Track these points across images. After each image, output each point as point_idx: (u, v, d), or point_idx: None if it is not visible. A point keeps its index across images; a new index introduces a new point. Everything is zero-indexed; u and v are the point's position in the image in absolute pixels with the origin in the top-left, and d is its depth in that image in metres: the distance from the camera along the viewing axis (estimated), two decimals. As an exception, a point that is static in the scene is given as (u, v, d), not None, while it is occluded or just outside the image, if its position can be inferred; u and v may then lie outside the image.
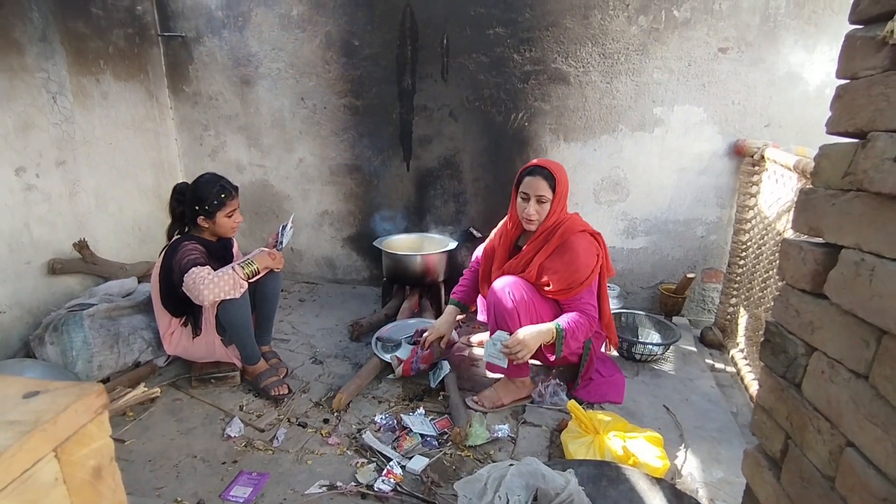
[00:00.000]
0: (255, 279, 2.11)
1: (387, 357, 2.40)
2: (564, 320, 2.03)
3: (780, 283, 1.25)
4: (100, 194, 2.87)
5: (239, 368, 2.31)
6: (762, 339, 1.10)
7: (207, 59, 3.29)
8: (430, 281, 2.96)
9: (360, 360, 2.58)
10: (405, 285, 3.07)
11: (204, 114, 3.40)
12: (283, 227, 2.35)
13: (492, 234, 2.44)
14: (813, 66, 2.60)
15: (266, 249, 2.23)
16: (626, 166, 2.97)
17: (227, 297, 1.99)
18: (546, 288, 2.08)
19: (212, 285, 1.94)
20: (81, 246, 2.64)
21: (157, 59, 3.30)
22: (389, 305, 3.00)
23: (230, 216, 2.19)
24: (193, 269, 1.98)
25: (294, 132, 3.32)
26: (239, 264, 2.05)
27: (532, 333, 1.97)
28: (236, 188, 2.24)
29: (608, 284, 2.41)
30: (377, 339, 2.55)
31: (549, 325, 2.01)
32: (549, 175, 2.08)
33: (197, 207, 2.14)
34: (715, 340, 2.88)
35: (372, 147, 3.25)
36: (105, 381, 2.26)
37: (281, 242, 2.31)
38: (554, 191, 2.08)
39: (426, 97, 3.08)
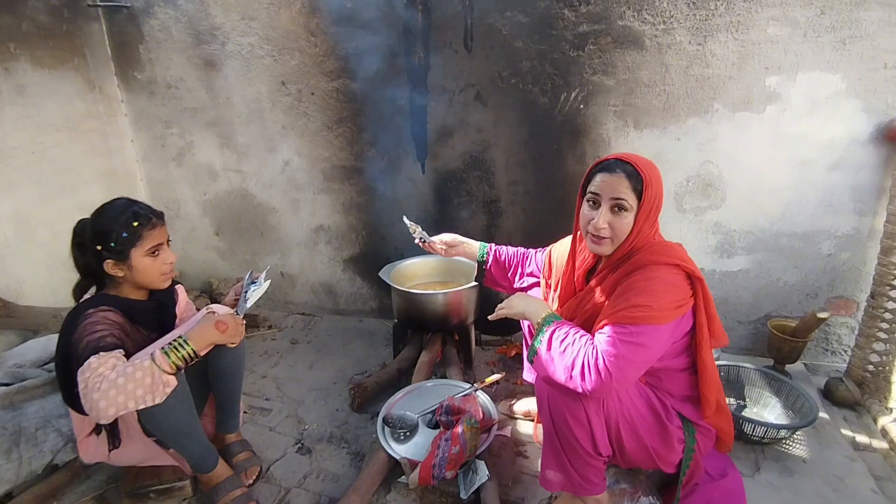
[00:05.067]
0: (195, 362, 1.39)
1: (397, 452, 1.69)
2: (565, 325, 1.37)
3: None
4: (20, 220, 2.19)
5: (190, 475, 1.63)
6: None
7: (161, 36, 2.55)
8: (455, 324, 2.22)
9: (362, 447, 1.88)
10: (423, 331, 2.33)
11: (163, 107, 2.68)
12: (251, 282, 1.63)
13: (563, 244, 1.72)
14: None
15: (217, 311, 1.52)
16: (723, 160, 2.15)
17: (143, 407, 1.28)
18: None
19: (112, 391, 1.22)
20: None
21: (98, 39, 2.58)
22: (402, 356, 2.27)
23: (154, 254, 1.48)
24: (92, 359, 1.28)
25: (276, 127, 2.58)
26: (164, 348, 1.34)
27: (524, 300, 1.54)
28: (159, 214, 1.52)
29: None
30: (385, 421, 1.83)
31: (544, 310, 1.45)
32: (634, 173, 1.32)
33: (99, 247, 1.43)
34: (848, 398, 2.08)
35: (375, 144, 2.49)
36: (2, 500, 1.60)
37: (245, 301, 1.59)
38: (640, 197, 1.32)
39: (444, 74, 2.29)
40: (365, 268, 2.75)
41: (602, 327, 1.31)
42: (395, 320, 2.32)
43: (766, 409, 1.97)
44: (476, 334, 2.43)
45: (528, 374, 1.93)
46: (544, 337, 1.35)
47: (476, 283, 2.10)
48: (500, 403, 2.05)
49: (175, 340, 1.36)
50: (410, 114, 2.40)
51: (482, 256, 1.93)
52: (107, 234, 1.42)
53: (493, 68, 2.24)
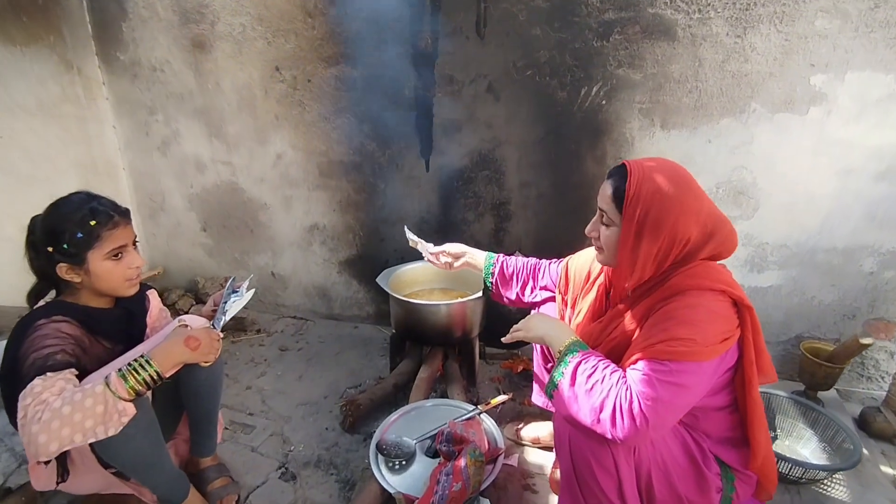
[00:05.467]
0: (161, 384, 1.20)
1: (392, 484, 1.50)
2: (592, 357, 1.17)
3: None
4: (-16, 212, 1.99)
5: (156, 506, 1.44)
6: None
7: (146, 14, 2.34)
8: (459, 338, 2.02)
9: (352, 474, 1.69)
10: (423, 343, 2.14)
11: (147, 91, 2.48)
12: (232, 291, 1.43)
13: (583, 256, 1.55)
14: None
15: (190, 324, 1.32)
16: (758, 166, 1.95)
17: (94, 440, 1.09)
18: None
19: (56, 422, 1.03)
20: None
21: (78, 14, 2.37)
22: (400, 369, 2.08)
23: (116, 257, 1.28)
24: (36, 381, 1.08)
25: (268, 117, 2.38)
26: (121, 370, 1.14)
27: (545, 322, 1.33)
28: (123, 211, 1.33)
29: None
30: (379, 447, 1.64)
31: (567, 336, 1.24)
32: (621, 184, 1.17)
33: (51, 248, 1.23)
34: (887, 430, 1.89)
35: (376, 137, 2.29)
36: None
37: (223, 313, 1.39)
38: (620, 209, 1.18)
39: (453, 63, 2.09)
40: (362, 271, 2.56)
41: (635, 362, 1.11)
42: (393, 330, 2.13)
43: (800, 443, 1.79)
44: (480, 347, 2.24)
45: (538, 398, 1.74)
46: (567, 369, 1.16)
47: (481, 295, 1.91)
48: (505, 426, 1.86)
49: (136, 360, 1.16)
50: (415, 106, 2.19)
51: (488, 269, 1.74)
52: (59, 234, 1.22)
53: (508, 58, 2.03)
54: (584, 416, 1.10)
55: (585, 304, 1.45)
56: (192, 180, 2.60)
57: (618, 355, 1.22)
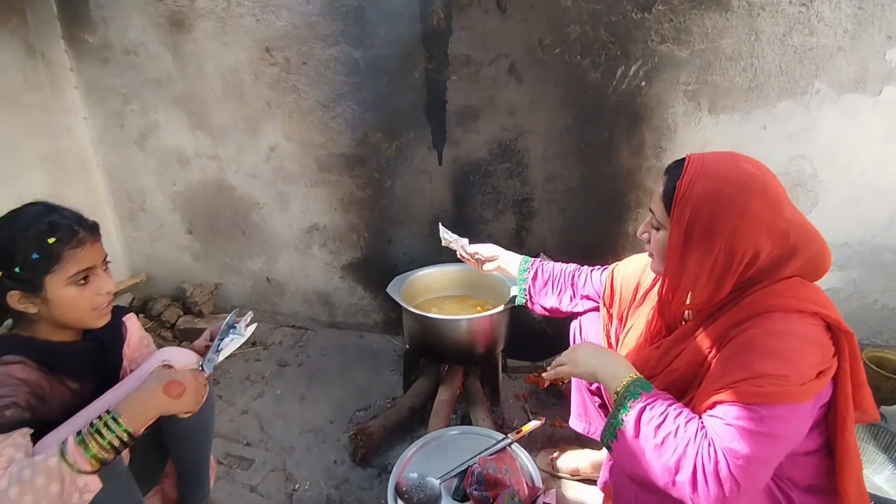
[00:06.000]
0: (133, 444, 0.96)
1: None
2: (658, 400, 0.94)
3: None
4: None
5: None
6: None
7: (116, -11, 2.06)
8: (482, 354, 1.79)
9: (368, 521, 1.47)
10: (441, 362, 1.90)
11: (120, 77, 2.19)
12: (230, 326, 1.18)
13: (631, 264, 1.34)
14: None
15: (174, 363, 1.08)
16: (819, 155, 1.72)
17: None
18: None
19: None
20: None
21: (40, -8, 2.08)
22: (415, 389, 1.85)
23: (82, 282, 1.03)
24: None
25: (259, 105, 2.11)
26: (81, 434, 0.90)
27: (594, 355, 1.10)
28: (91, 226, 1.07)
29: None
30: (398, 491, 1.41)
31: (624, 373, 1.02)
32: (677, 173, 0.98)
33: (1, 273, 0.98)
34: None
35: (382, 127, 2.03)
36: None
37: (216, 352, 1.14)
38: (669, 210, 0.99)
39: (470, 41, 1.83)
40: (367, 275, 2.31)
41: (713, 406, 0.89)
42: (406, 346, 1.90)
43: (871, 469, 1.58)
44: (501, 359, 2.01)
45: (577, 423, 1.52)
46: (629, 416, 0.94)
47: (509, 305, 1.68)
48: (537, 455, 1.65)
49: (100, 419, 0.92)
50: (426, 90, 1.94)
51: (522, 275, 1.52)
52: (9, 255, 0.97)
53: (533, 34, 1.78)
54: (656, 475, 0.89)
55: (638, 322, 1.23)
56: (174, 177, 2.33)
57: (680, 388, 1.01)
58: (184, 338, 2.33)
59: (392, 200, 2.14)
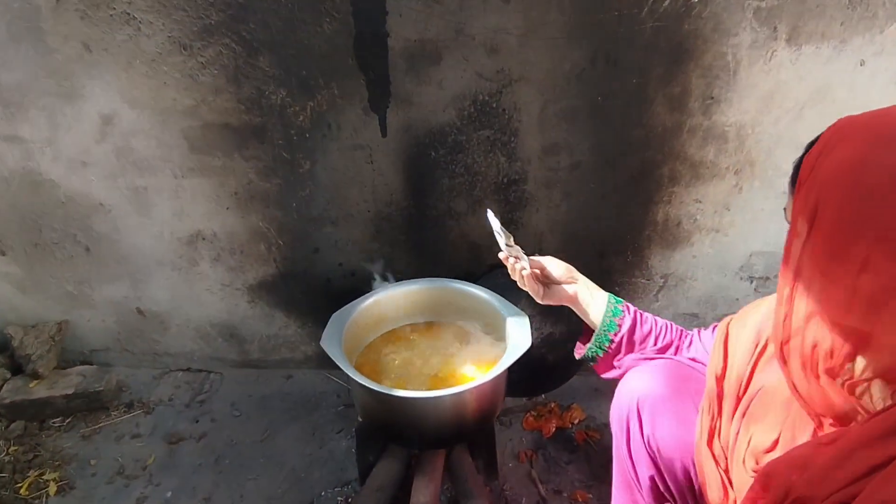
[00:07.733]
0: None
1: None
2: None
3: None
4: None
5: None
6: None
7: None
8: (472, 428, 1.20)
9: None
10: (415, 447, 1.27)
11: None
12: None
13: (756, 313, 0.84)
14: None
15: None
16: (928, 102, 1.21)
17: None
18: None
19: None
20: None
21: None
22: (377, 480, 1.22)
23: None
24: None
25: (71, 48, 1.26)
26: None
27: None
28: None
29: None
30: None
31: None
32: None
33: None
34: None
35: (285, 79, 1.28)
36: None
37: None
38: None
39: (422, -71, 1.10)
40: (288, 297, 1.61)
41: None
42: (359, 419, 1.27)
43: None
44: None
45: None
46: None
47: (520, 354, 1.09)
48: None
49: None
50: (353, 16, 1.20)
51: (611, 320, 0.96)
52: None
53: (526, -85, 1.07)
54: None
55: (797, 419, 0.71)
56: (-47, 173, 1.45)
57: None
58: (13, 418, 1.54)
59: (314, 191, 1.43)
